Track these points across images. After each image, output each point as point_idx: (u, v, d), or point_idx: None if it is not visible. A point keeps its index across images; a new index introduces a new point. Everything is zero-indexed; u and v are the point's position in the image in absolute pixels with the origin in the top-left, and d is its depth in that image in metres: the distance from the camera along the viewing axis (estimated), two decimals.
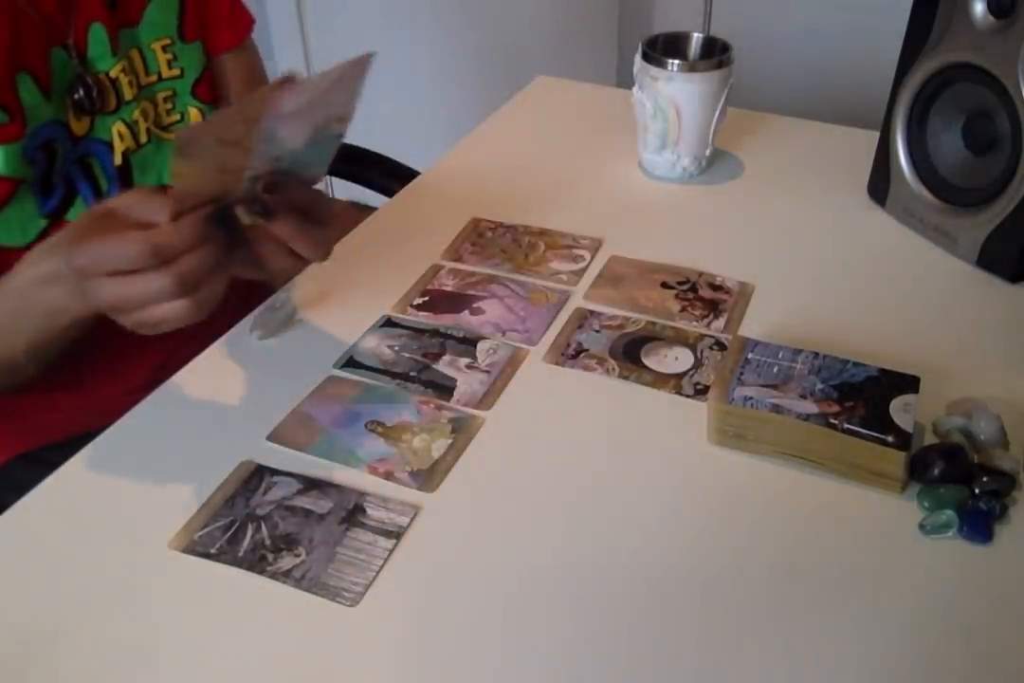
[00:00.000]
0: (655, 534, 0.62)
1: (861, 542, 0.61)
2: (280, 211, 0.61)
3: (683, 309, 0.81)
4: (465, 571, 0.59)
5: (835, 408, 0.64)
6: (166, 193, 0.58)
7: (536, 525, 0.62)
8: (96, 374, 0.88)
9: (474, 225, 0.93)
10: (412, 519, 0.62)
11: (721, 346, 0.77)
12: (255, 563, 0.59)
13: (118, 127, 0.80)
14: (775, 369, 0.68)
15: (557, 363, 0.76)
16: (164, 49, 0.83)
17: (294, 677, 0.54)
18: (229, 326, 0.80)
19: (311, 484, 0.65)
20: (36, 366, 0.73)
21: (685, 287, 0.84)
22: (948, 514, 0.61)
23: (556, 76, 1.24)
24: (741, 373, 0.67)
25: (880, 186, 0.93)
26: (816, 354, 0.69)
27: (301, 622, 0.56)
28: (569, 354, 0.76)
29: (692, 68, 0.93)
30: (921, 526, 0.61)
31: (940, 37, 0.83)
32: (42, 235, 0.76)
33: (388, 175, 1.16)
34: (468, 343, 0.77)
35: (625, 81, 1.23)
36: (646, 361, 0.75)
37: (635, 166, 1.03)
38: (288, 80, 0.54)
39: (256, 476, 0.65)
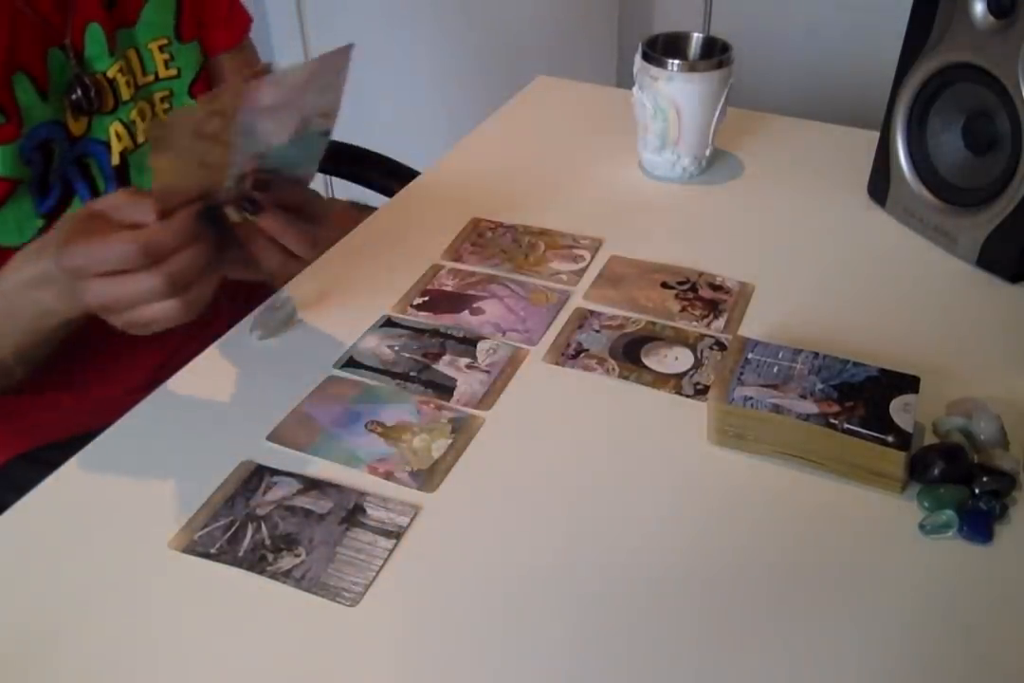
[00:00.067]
0: (655, 534, 0.62)
1: (861, 542, 0.61)
2: (269, 207, 0.61)
3: (683, 309, 0.81)
4: (465, 571, 0.59)
5: (835, 408, 0.64)
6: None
7: (536, 525, 0.62)
8: (96, 374, 0.88)
9: (474, 225, 0.93)
10: (412, 519, 0.62)
11: (721, 346, 0.77)
12: (255, 563, 0.59)
13: (116, 127, 0.80)
14: (775, 369, 0.68)
15: (557, 363, 0.76)
16: (161, 49, 0.83)
17: (294, 677, 0.54)
18: (229, 326, 0.80)
19: (311, 484, 0.65)
20: (24, 369, 0.73)
21: (685, 287, 0.84)
22: (948, 514, 0.61)
23: (556, 76, 1.24)
24: (741, 373, 0.67)
25: (880, 186, 0.93)
26: (816, 354, 0.69)
27: (301, 622, 0.56)
28: (569, 354, 0.76)
29: (692, 68, 0.93)
30: (921, 526, 0.61)
31: (940, 37, 0.83)
32: (39, 235, 0.76)
33: (388, 175, 1.16)
34: (468, 343, 0.78)
35: (625, 81, 1.23)
36: (646, 361, 0.75)
37: (635, 166, 1.03)
38: (263, 72, 0.53)
39: (256, 476, 0.65)
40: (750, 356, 0.69)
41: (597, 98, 1.20)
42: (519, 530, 0.62)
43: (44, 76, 0.74)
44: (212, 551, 0.60)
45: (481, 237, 0.91)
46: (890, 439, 0.62)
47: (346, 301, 0.83)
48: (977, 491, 0.62)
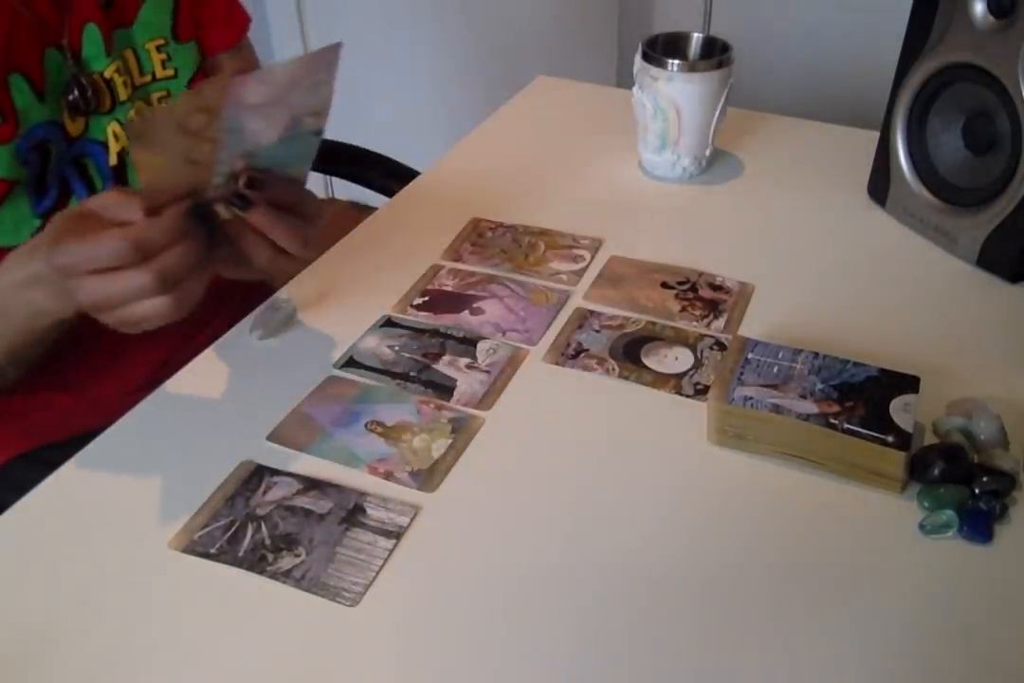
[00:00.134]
0: (655, 534, 0.62)
1: (861, 542, 0.61)
2: (259, 203, 0.60)
3: (683, 309, 0.81)
4: (465, 571, 0.59)
5: (835, 408, 0.64)
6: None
7: (536, 525, 0.62)
8: (96, 374, 0.88)
9: (474, 225, 0.93)
10: (412, 519, 0.62)
11: (721, 346, 0.77)
12: (255, 563, 0.59)
13: (113, 127, 0.80)
14: (775, 369, 0.68)
15: (557, 363, 0.76)
16: (158, 49, 0.83)
17: (294, 677, 0.54)
18: (229, 326, 0.80)
19: (311, 484, 0.65)
20: (16, 369, 0.73)
21: (685, 287, 0.84)
22: (948, 514, 0.61)
23: (556, 76, 1.24)
24: (741, 373, 0.67)
25: (880, 186, 0.93)
26: (816, 354, 0.69)
27: (301, 622, 0.56)
28: (569, 354, 0.76)
29: (692, 68, 0.93)
30: (921, 526, 0.61)
31: (940, 37, 0.83)
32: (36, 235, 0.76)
33: (388, 175, 1.16)
34: (468, 343, 0.78)
35: (625, 81, 1.23)
36: (646, 361, 0.75)
37: (635, 166, 1.03)
38: (244, 70, 0.53)
39: (256, 476, 0.65)
40: (750, 356, 0.69)
41: (597, 98, 1.20)
42: (519, 530, 0.62)
43: (41, 77, 0.74)
44: (212, 551, 0.60)
45: (481, 237, 0.91)
46: (890, 439, 0.62)
47: (346, 301, 0.83)
48: (977, 491, 0.62)
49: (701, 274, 0.85)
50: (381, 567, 0.59)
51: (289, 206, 0.62)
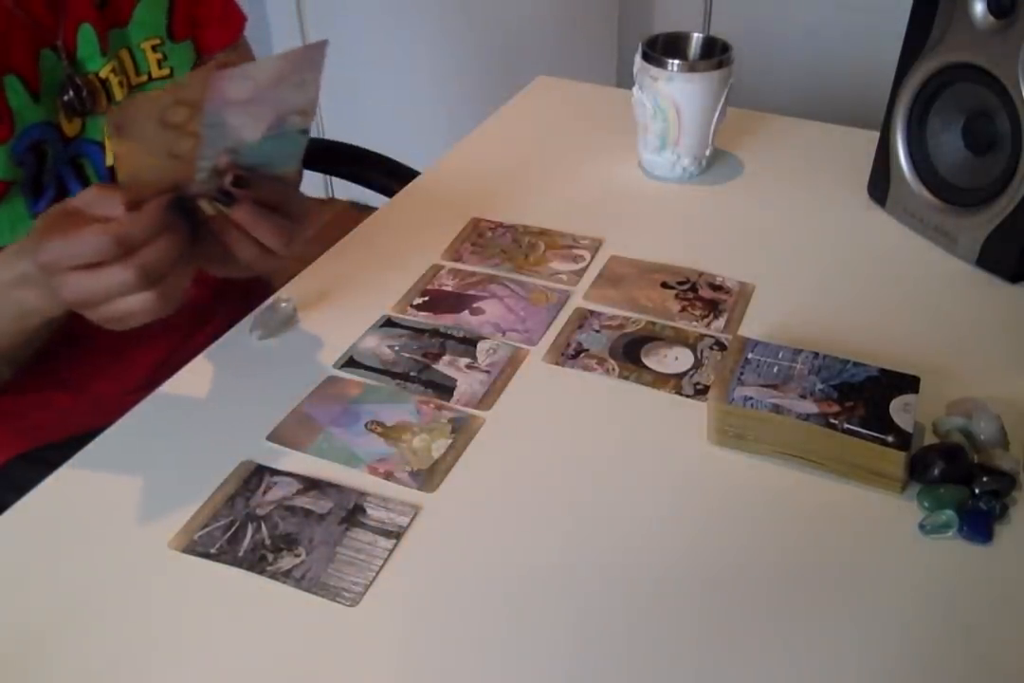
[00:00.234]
0: (655, 534, 0.62)
1: (861, 542, 0.61)
2: (243, 200, 0.60)
3: (683, 309, 0.81)
4: (465, 571, 0.59)
5: (835, 408, 0.64)
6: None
7: (536, 525, 0.62)
8: (95, 374, 0.88)
9: (474, 225, 0.93)
10: (412, 519, 0.62)
11: (721, 346, 0.77)
12: (255, 563, 0.59)
13: None
14: (775, 369, 0.68)
15: (557, 363, 0.76)
16: (154, 49, 0.83)
17: (294, 677, 0.54)
18: (229, 326, 0.80)
19: (311, 484, 0.65)
20: (7, 369, 0.73)
21: (685, 287, 0.84)
22: (948, 514, 0.61)
23: (556, 76, 1.24)
24: (741, 373, 0.67)
25: (880, 186, 0.93)
26: (816, 354, 0.69)
27: (301, 622, 0.56)
28: (569, 354, 0.76)
29: (692, 68, 0.93)
30: (921, 526, 0.61)
31: (940, 37, 0.83)
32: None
33: (388, 175, 1.16)
34: (468, 343, 0.78)
35: (625, 81, 1.23)
36: (646, 361, 0.75)
37: (635, 166, 1.03)
38: (228, 63, 0.53)
39: (256, 476, 0.65)
40: (750, 356, 0.69)
41: (597, 98, 1.20)
42: (519, 530, 0.62)
43: (36, 78, 0.74)
44: (212, 551, 0.60)
45: (481, 237, 0.91)
46: (890, 439, 0.62)
47: (346, 301, 0.83)
48: (977, 491, 0.62)
49: (701, 274, 0.85)
50: (381, 567, 0.59)
51: (275, 205, 0.62)
